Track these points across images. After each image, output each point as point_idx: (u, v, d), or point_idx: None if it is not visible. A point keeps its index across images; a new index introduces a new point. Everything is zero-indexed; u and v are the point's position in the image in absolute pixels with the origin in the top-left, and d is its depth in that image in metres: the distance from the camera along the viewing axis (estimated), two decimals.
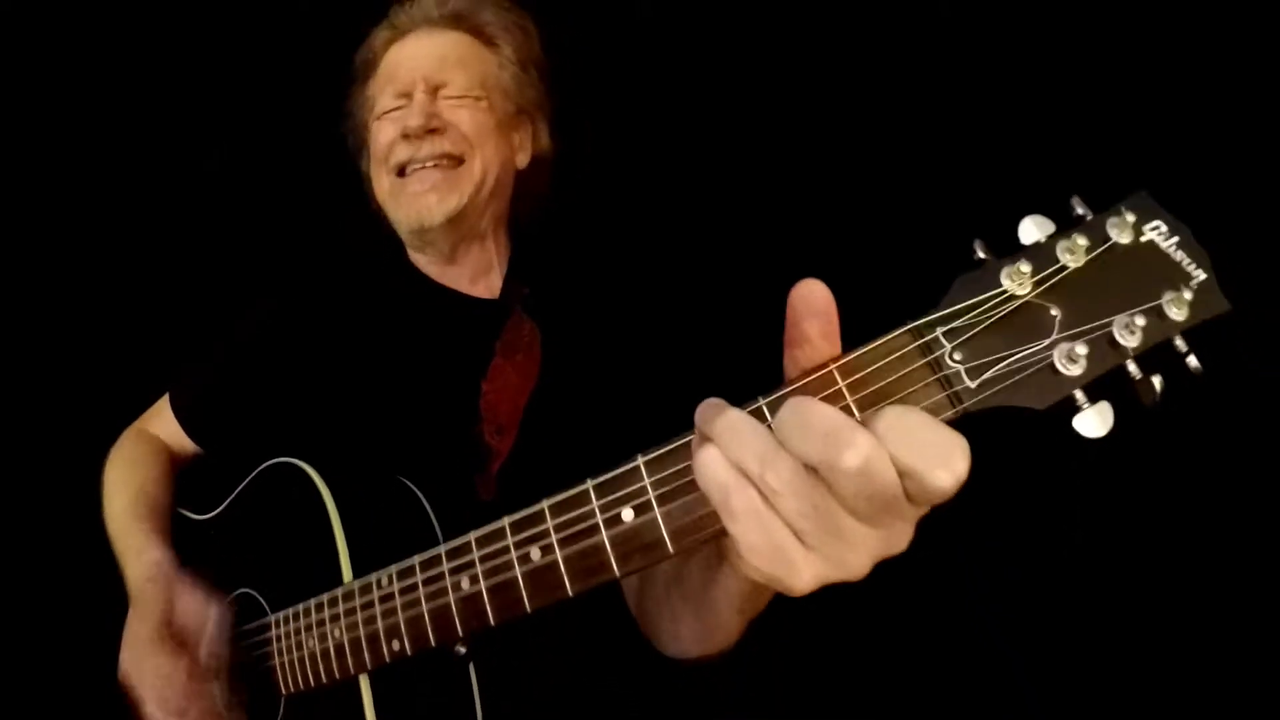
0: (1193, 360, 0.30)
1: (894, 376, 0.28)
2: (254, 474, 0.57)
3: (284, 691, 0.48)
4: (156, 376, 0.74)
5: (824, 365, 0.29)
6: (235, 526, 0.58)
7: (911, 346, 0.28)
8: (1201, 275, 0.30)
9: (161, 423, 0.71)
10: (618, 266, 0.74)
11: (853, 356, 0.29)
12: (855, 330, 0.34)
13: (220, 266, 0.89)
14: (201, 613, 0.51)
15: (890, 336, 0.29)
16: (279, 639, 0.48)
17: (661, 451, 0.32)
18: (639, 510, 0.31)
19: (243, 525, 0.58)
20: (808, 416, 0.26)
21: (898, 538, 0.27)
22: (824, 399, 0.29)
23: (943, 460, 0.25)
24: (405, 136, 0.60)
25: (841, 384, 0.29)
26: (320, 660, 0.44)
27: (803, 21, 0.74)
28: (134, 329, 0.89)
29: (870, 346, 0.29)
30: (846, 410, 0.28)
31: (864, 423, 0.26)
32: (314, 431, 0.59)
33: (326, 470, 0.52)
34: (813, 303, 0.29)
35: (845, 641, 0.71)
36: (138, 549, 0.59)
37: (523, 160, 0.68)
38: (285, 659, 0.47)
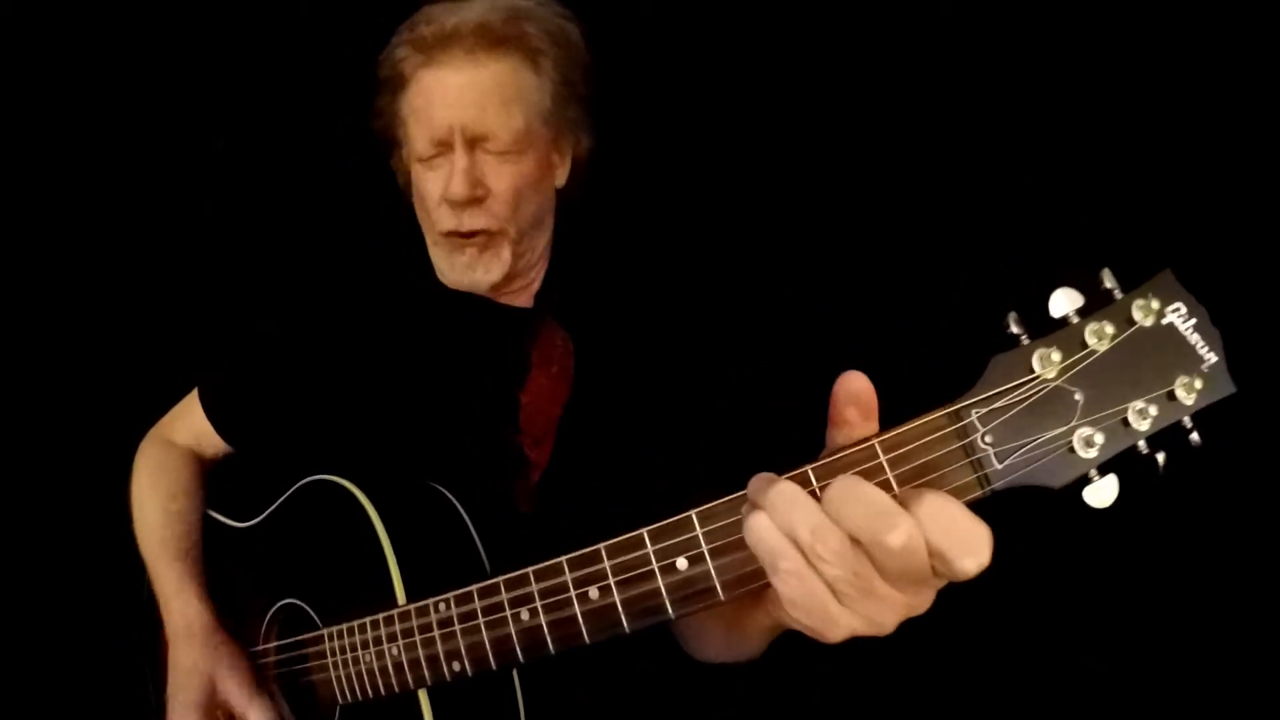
0: (1195, 436, 0.35)
1: (931, 456, 0.33)
2: (295, 487, 0.62)
3: (340, 701, 0.55)
4: (180, 377, 0.77)
5: (868, 440, 0.34)
6: (277, 538, 0.63)
7: (949, 429, 0.33)
8: (1213, 359, 0.35)
9: (187, 425, 0.74)
10: (649, 273, 0.77)
11: (895, 434, 0.34)
12: (893, 386, 0.38)
13: (251, 268, 0.92)
14: (247, 697, 0.56)
15: (930, 417, 0.33)
16: (333, 652, 0.54)
17: (713, 506, 0.37)
18: (693, 561, 0.37)
19: (286, 537, 0.63)
20: (860, 494, 0.31)
21: (922, 602, 0.33)
22: (865, 471, 0.33)
23: (970, 550, 0.30)
24: (449, 203, 0.60)
25: (883, 458, 0.33)
26: (379, 675, 0.50)
27: (847, 28, 0.75)
28: (158, 329, 0.92)
29: (911, 425, 0.33)
30: (886, 484, 0.33)
31: (903, 501, 0.31)
32: (347, 438, 0.64)
33: (367, 483, 0.57)
34: (853, 392, 0.34)
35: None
36: (172, 594, 0.64)
37: (562, 177, 0.68)
38: (342, 671, 0.53)
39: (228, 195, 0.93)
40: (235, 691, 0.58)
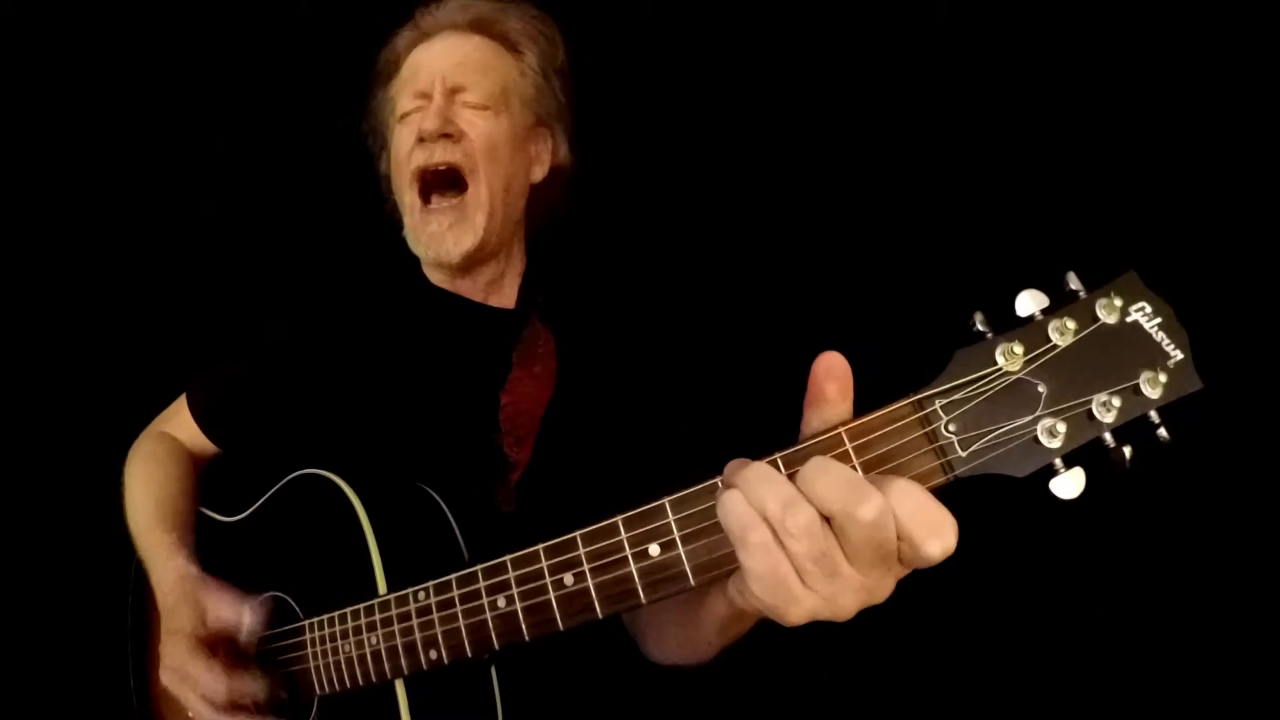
0: (1163, 432, 0.35)
1: (896, 443, 0.34)
2: (283, 482, 0.62)
3: (319, 692, 0.55)
4: (175, 376, 0.79)
5: (835, 428, 0.35)
6: (263, 531, 0.64)
7: (912, 417, 0.34)
8: (1179, 355, 0.35)
9: (180, 422, 0.76)
10: (632, 274, 0.79)
11: (860, 422, 0.34)
12: (863, 383, 0.39)
13: (237, 269, 0.94)
14: (234, 614, 0.56)
15: (894, 406, 0.34)
16: (314, 642, 0.54)
17: (685, 494, 0.37)
18: (665, 547, 0.37)
19: (271, 530, 0.63)
20: (833, 470, 0.31)
21: (882, 590, 0.33)
22: (833, 458, 0.34)
23: (937, 533, 0.31)
24: (420, 140, 0.64)
25: (849, 445, 0.34)
26: (357, 664, 0.50)
27: (834, 52, 0.79)
28: (152, 328, 0.94)
29: (876, 414, 0.34)
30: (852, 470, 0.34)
31: (873, 484, 0.31)
32: (332, 438, 0.64)
33: (351, 479, 0.57)
34: (832, 369, 0.35)
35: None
36: (164, 558, 0.64)
37: (539, 173, 0.71)
38: (321, 662, 0.53)
39: (221, 197, 0.94)
40: (226, 607, 0.56)
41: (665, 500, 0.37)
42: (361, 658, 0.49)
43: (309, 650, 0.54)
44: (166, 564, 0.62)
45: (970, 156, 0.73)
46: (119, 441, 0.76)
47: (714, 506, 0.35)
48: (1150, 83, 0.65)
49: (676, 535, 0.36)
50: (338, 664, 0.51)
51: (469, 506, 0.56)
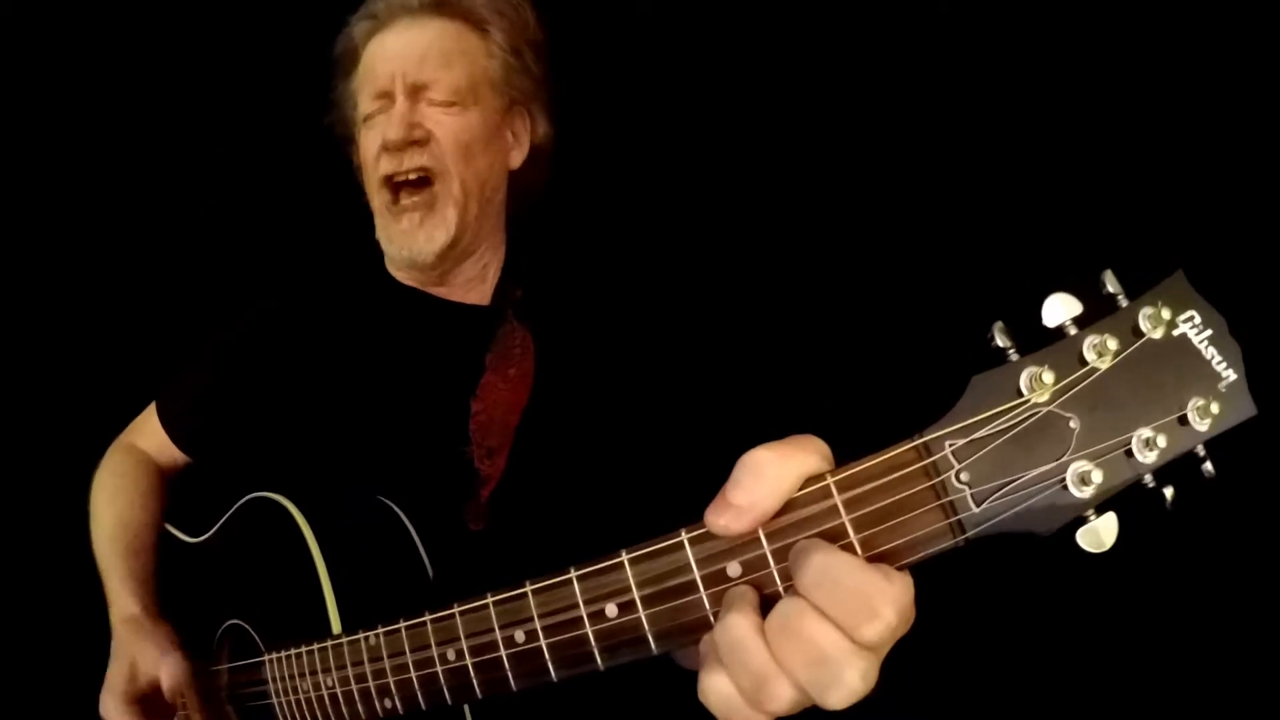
0: (1208, 466, 0.28)
1: (895, 497, 0.26)
2: (238, 505, 0.57)
3: None
4: (146, 383, 0.72)
5: (821, 477, 0.28)
6: (223, 555, 0.58)
7: (916, 466, 0.26)
8: (1232, 376, 0.28)
9: (148, 433, 0.70)
10: (616, 266, 0.71)
11: (853, 471, 0.27)
12: (861, 408, 0.32)
13: (208, 272, 0.86)
14: (152, 671, 0.52)
15: (895, 451, 0.27)
16: (274, 680, 0.49)
17: (646, 551, 0.30)
18: (623, 608, 0.31)
19: (230, 555, 0.57)
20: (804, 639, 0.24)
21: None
22: (819, 515, 0.27)
23: (870, 616, 0.24)
24: (386, 149, 0.57)
25: (838, 499, 0.27)
26: (317, 706, 0.45)
27: (826, 25, 0.67)
28: (124, 335, 0.87)
29: (872, 461, 0.27)
30: (841, 530, 0.27)
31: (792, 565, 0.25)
32: (297, 451, 0.58)
33: (309, 498, 0.51)
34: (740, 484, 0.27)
35: None
36: (114, 593, 0.60)
37: (517, 159, 0.64)
38: (283, 699, 0.48)
39: (184, 201, 0.87)
40: (150, 660, 0.52)
41: (624, 555, 0.31)
42: (320, 699, 0.44)
43: (270, 687, 0.49)
44: (118, 604, 0.59)
45: (980, 138, 0.63)
46: (91, 450, 0.70)
47: (678, 568, 0.29)
48: (1187, 66, 0.54)
49: (636, 596, 0.30)
50: (298, 703, 0.46)
51: (436, 526, 0.50)
